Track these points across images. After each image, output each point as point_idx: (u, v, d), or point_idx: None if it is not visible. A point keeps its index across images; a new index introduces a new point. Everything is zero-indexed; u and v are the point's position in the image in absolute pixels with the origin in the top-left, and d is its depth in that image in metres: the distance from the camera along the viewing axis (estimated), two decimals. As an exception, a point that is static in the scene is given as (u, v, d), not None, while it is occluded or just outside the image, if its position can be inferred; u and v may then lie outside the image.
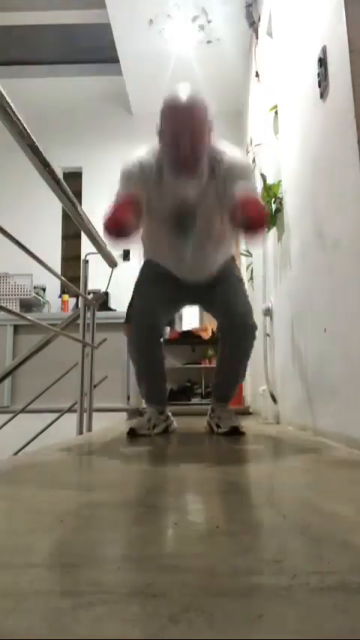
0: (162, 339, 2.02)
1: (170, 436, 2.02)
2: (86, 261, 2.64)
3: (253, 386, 3.90)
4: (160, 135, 1.72)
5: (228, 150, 1.79)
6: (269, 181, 2.70)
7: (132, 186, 1.72)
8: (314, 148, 1.87)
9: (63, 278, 2.38)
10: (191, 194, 1.76)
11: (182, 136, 1.63)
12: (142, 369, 2.02)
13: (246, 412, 3.92)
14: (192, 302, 2.24)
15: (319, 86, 1.71)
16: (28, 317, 2.07)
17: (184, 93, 1.66)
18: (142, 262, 2.17)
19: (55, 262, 4.73)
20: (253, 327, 1.97)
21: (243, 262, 3.97)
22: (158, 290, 2.01)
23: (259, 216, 1.54)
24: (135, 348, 1.99)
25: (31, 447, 2.36)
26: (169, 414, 2.16)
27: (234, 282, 2.07)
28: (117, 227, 1.56)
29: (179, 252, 1.92)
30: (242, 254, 3.86)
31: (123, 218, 1.57)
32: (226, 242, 2.01)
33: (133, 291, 2.10)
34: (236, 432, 1.88)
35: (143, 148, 1.82)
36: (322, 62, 1.66)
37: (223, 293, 2.00)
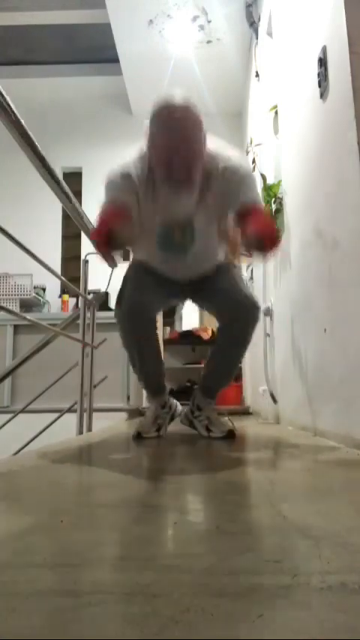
0: (155, 325, 1.92)
1: (170, 436, 2.01)
2: (86, 261, 2.65)
3: (253, 386, 3.90)
4: (150, 144, 1.57)
5: (225, 154, 1.65)
6: (269, 181, 2.70)
7: (120, 197, 1.60)
8: (314, 148, 1.87)
9: (63, 278, 2.39)
10: (186, 207, 1.65)
11: (176, 153, 1.49)
12: (136, 356, 1.91)
13: (246, 412, 3.92)
14: (188, 295, 2.09)
15: (319, 86, 1.71)
16: (28, 317, 2.07)
17: (176, 101, 1.50)
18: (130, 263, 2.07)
19: (55, 262, 4.72)
20: (256, 307, 1.82)
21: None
22: (151, 277, 1.90)
23: (271, 236, 1.46)
24: (127, 332, 1.87)
25: (31, 447, 2.36)
26: (171, 400, 2.07)
27: (232, 270, 1.95)
28: (106, 239, 1.45)
29: (174, 262, 1.86)
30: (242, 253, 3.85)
31: (112, 229, 1.46)
32: (223, 244, 1.85)
33: (122, 282, 1.97)
34: (231, 436, 1.81)
35: (132, 153, 1.67)
36: (322, 62, 1.66)
37: (222, 281, 1.91)
